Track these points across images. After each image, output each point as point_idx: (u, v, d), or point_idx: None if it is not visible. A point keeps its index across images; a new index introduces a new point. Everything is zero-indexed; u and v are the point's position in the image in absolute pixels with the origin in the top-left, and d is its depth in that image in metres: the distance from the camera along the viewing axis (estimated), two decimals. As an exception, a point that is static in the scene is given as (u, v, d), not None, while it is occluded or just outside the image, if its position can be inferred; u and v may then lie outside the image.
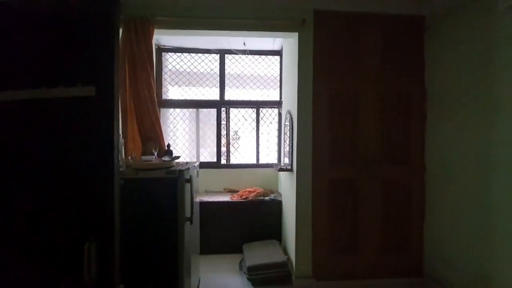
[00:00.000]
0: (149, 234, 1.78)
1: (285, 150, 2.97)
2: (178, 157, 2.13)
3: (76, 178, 0.99)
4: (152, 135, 2.32)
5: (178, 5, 2.38)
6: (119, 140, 1.89)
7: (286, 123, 2.92)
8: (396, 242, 2.52)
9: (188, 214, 1.91)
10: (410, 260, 2.52)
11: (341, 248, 2.47)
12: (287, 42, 3.04)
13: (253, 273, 2.48)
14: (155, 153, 2.19)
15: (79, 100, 0.99)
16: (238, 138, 3.79)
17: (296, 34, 2.47)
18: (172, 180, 1.80)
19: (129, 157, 2.06)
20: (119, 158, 1.82)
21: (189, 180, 1.91)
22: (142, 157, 1.99)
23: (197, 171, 2.36)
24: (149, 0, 2.35)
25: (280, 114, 3.60)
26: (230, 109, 3.67)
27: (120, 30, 2.30)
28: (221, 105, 3.63)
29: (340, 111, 2.48)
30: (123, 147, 1.86)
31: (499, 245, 1.84)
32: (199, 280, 2.44)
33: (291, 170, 2.66)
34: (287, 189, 2.94)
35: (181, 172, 1.82)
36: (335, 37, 2.46)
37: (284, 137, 3.08)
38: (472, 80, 2.06)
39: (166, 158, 2.02)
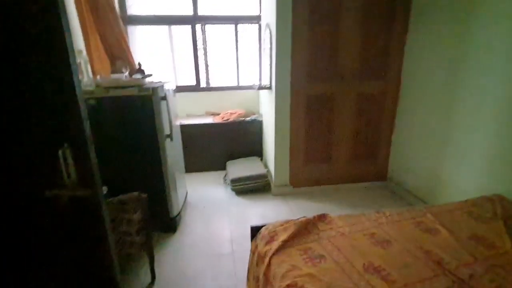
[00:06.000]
0: (133, 149, 1.85)
1: (265, 67, 2.87)
2: (150, 75, 2.04)
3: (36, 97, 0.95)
4: (119, 53, 2.15)
5: None
6: (81, 55, 1.76)
7: (265, 38, 2.75)
8: (366, 152, 2.75)
9: (167, 132, 1.95)
10: (376, 166, 2.81)
11: (316, 158, 2.69)
12: None
13: (236, 184, 2.72)
14: (126, 72, 2.08)
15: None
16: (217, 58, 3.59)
17: None
18: (147, 97, 1.77)
19: (98, 76, 1.96)
20: (85, 76, 1.73)
21: (165, 98, 1.88)
22: (112, 75, 1.89)
23: (173, 91, 2.31)
24: None
25: (260, 30, 3.34)
26: (205, 25, 3.35)
27: None
28: (195, 20, 3.30)
29: (320, 24, 2.32)
30: (88, 65, 1.74)
31: (451, 154, 2.06)
32: (186, 193, 2.67)
33: (270, 88, 2.63)
34: (267, 108, 2.98)
35: (154, 89, 1.77)
36: None
37: (263, 54, 2.94)
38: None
39: (137, 76, 1.93)
